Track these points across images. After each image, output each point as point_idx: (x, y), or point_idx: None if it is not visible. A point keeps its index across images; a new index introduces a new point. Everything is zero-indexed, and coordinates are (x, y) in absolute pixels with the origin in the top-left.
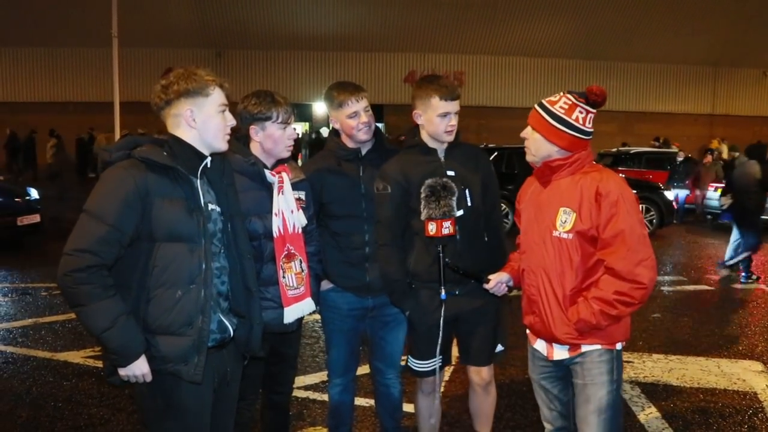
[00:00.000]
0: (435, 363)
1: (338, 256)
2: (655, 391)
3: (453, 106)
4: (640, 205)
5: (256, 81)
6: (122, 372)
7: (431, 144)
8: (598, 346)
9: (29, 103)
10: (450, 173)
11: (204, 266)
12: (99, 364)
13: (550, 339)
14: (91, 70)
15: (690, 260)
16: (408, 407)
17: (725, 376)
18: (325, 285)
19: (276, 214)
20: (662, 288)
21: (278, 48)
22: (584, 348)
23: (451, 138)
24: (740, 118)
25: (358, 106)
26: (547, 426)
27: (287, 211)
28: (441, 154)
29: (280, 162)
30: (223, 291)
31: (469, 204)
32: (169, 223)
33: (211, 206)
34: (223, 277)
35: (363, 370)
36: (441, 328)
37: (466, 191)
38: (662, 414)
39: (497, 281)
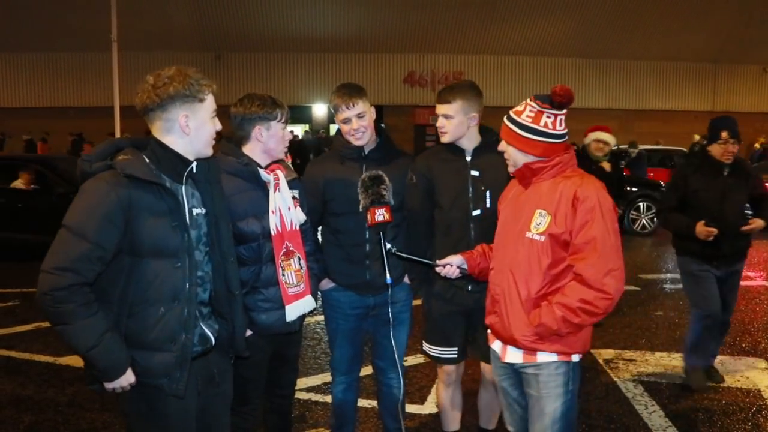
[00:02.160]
0: (445, 353)
1: (339, 253)
2: (658, 389)
3: (441, 109)
4: (641, 204)
5: (256, 83)
6: (108, 385)
7: (460, 144)
8: (555, 358)
9: (29, 109)
10: (474, 173)
11: (188, 284)
12: None
13: (508, 340)
14: (91, 75)
15: None
16: (410, 407)
17: (728, 374)
18: (327, 284)
19: (273, 212)
20: (664, 286)
21: (277, 50)
22: (540, 359)
23: (443, 139)
24: (740, 114)
25: (349, 113)
26: (510, 429)
27: (284, 208)
28: (468, 155)
29: (273, 162)
30: (205, 299)
31: (488, 206)
32: (153, 239)
33: (195, 211)
34: (206, 285)
35: (365, 371)
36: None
37: (487, 192)
38: (665, 412)
39: (447, 263)
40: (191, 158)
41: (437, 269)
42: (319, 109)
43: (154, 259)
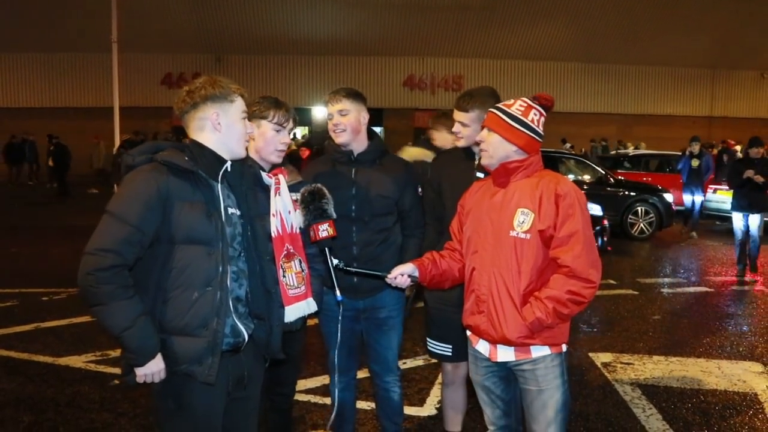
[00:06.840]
0: (439, 348)
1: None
2: (655, 393)
3: (458, 116)
4: (639, 208)
5: (256, 85)
6: (139, 372)
7: (474, 148)
8: (548, 351)
9: (29, 109)
10: (480, 175)
11: (221, 269)
12: (101, 368)
13: (499, 340)
14: (91, 76)
15: (689, 262)
16: (409, 409)
17: (725, 378)
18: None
19: (274, 215)
20: (662, 290)
21: (277, 53)
22: (534, 353)
23: (459, 143)
24: (738, 120)
25: (331, 108)
26: (491, 427)
27: (285, 211)
28: (477, 159)
29: (275, 166)
30: (241, 295)
31: None
32: (189, 226)
33: (231, 210)
34: (241, 281)
35: (363, 373)
36: (339, 331)
37: None
38: (663, 416)
39: (398, 272)
40: (226, 157)
41: (388, 280)
42: (319, 112)
43: (189, 246)
